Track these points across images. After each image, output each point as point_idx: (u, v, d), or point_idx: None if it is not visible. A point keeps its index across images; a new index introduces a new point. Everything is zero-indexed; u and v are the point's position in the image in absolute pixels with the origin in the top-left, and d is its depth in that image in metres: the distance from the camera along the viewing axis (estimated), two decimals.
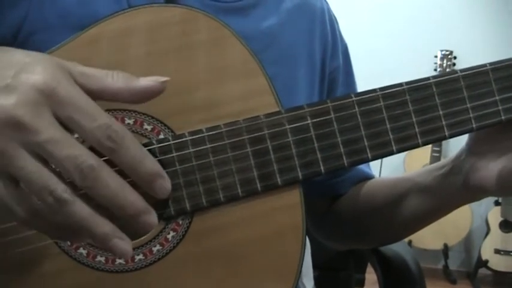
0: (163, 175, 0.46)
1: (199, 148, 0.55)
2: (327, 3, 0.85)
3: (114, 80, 0.47)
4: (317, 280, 0.97)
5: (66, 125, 0.43)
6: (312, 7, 0.81)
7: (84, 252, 0.56)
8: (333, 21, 0.84)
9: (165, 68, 0.58)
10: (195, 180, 0.55)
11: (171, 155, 0.55)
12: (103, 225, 0.44)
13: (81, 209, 0.43)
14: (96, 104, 0.44)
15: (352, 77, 0.87)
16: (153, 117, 0.57)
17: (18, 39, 0.64)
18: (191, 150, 0.55)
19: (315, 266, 0.96)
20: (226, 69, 0.59)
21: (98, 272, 0.57)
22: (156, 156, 0.54)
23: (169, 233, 0.58)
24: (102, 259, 0.57)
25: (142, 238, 0.57)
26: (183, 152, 0.55)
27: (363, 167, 0.86)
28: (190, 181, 0.55)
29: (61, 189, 0.42)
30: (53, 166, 0.43)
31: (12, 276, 0.56)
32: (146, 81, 0.47)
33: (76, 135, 0.44)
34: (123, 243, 0.45)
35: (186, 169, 0.55)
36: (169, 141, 0.55)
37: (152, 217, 0.45)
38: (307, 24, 0.79)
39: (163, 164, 0.54)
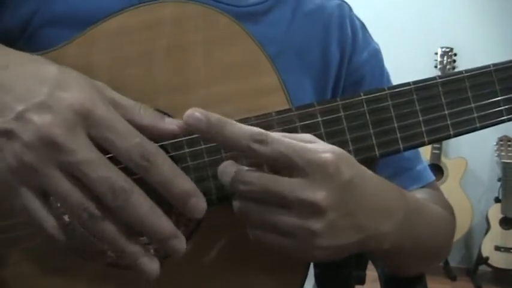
0: (197, 194, 0.47)
1: (211, 144, 0.55)
2: (350, 8, 0.83)
3: (141, 115, 0.48)
4: (317, 277, 0.97)
5: (100, 145, 0.44)
6: (327, 13, 0.79)
7: None
8: (355, 26, 0.81)
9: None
10: (206, 176, 0.56)
11: (183, 151, 0.55)
12: (132, 245, 0.45)
13: (112, 228, 0.44)
14: (128, 123, 0.45)
15: (382, 79, 0.83)
16: (164, 113, 0.57)
17: (26, 33, 0.64)
18: (203, 146, 0.55)
19: (315, 263, 0.96)
20: (238, 66, 0.59)
21: (106, 267, 0.56)
22: (168, 152, 0.54)
23: (179, 228, 0.58)
24: (112, 255, 0.57)
25: None
26: (195, 148, 0.56)
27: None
28: (202, 177, 0.56)
29: (94, 207, 0.43)
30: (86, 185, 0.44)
31: (20, 270, 0.56)
32: (171, 125, 0.49)
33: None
34: (150, 263, 0.46)
35: (197, 165, 0.56)
36: (181, 137, 0.56)
37: (180, 242, 0.47)
38: (322, 32, 0.77)
39: (175, 160, 0.54)
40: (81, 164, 0.43)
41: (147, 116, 0.48)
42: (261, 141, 0.48)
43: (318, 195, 0.47)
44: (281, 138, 0.49)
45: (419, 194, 0.75)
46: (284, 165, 0.48)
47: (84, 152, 0.43)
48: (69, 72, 0.47)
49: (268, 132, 0.49)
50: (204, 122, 0.48)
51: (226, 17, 0.60)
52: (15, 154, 0.43)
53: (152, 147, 0.45)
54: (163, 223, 0.46)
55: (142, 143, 0.45)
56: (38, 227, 0.46)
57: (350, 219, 0.50)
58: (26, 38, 0.63)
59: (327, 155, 0.48)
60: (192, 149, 0.56)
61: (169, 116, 0.57)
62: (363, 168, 0.53)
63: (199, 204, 0.47)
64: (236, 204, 0.52)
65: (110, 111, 0.45)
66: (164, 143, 0.55)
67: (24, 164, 0.43)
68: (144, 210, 0.44)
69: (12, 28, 0.64)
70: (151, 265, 0.47)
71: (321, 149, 0.49)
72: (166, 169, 0.46)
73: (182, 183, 0.46)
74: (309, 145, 0.49)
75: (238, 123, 0.50)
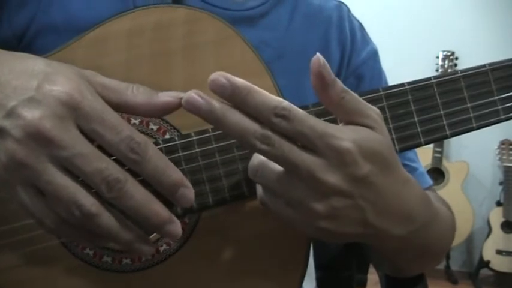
0: (186, 184, 0.48)
1: (206, 148, 0.55)
2: (348, 9, 0.83)
3: (134, 94, 0.48)
4: (319, 280, 0.96)
5: (90, 137, 0.44)
6: (326, 14, 0.79)
7: (90, 252, 0.57)
8: (353, 27, 0.81)
9: (171, 68, 0.58)
10: (201, 179, 0.56)
11: (178, 154, 0.55)
12: (127, 234, 0.47)
13: (107, 221, 0.45)
14: (117, 115, 0.45)
15: (380, 79, 0.84)
16: (158, 117, 0.57)
17: (23, 41, 0.64)
18: (197, 149, 0.55)
19: (317, 266, 0.96)
20: (232, 69, 0.58)
21: (104, 272, 0.57)
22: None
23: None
24: (109, 259, 0.57)
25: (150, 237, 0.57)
26: (189, 152, 0.55)
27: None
28: (197, 180, 0.55)
29: (88, 204, 0.44)
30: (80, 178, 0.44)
31: (19, 276, 0.56)
32: (166, 97, 0.48)
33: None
34: (145, 246, 0.48)
35: (192, 168, 0.55)
36: (175, 141, 0.55)
37: (175, 227, 0.47)
38: (322, 33, 0.77)
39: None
40: (74, 157, 0.43)
41: (140, 93, 0.48)
42: (283, 116, 0.45)
43: (330, 178, 0.46)
44: (305, 117, 0.46)
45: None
46: (303, 143, 0.46)
47: (76, 145, 0.43)
48: (57, 64, 0.47)
49: (294, 108, 0.46)
50: (229, 88, 0.45)
51: (219, 20, 0.60)
52: (8, 152, 0.43)
53: (142, 140, 0.45)
54: (158, 210, 0.46)
55: (131, 136, 0.45)
56: (37, 223, 0.47)
57: (358, 213, 0.49)
58: (24, 46, 0.64)
59: (347, 144, 0.46)
60: (186, 153, 0.55)
61: (165, 121, 0.58)
62: (393, 168, 0.51)
63: (187, 194, 0.48)
64: (253, 162, 0.51)
65: (98, 102, 0.45)
66: (158, 146, 0.54)
67: (17, 161, 0.43)
68: (139, 198, 0.45)
69: (10, 37, 0.64)
70: (146, 248, 0.49)
71: (345, 135, 0.47)
72: (156, 161, 0.46)
73: (171, 174, 0.47)
74: (331, 129, 0.46)
75: (264, 91, 0.46)
